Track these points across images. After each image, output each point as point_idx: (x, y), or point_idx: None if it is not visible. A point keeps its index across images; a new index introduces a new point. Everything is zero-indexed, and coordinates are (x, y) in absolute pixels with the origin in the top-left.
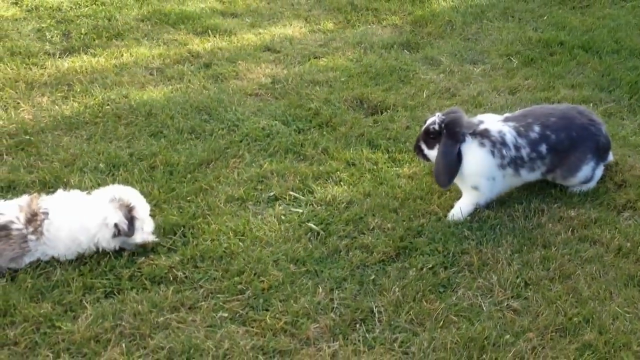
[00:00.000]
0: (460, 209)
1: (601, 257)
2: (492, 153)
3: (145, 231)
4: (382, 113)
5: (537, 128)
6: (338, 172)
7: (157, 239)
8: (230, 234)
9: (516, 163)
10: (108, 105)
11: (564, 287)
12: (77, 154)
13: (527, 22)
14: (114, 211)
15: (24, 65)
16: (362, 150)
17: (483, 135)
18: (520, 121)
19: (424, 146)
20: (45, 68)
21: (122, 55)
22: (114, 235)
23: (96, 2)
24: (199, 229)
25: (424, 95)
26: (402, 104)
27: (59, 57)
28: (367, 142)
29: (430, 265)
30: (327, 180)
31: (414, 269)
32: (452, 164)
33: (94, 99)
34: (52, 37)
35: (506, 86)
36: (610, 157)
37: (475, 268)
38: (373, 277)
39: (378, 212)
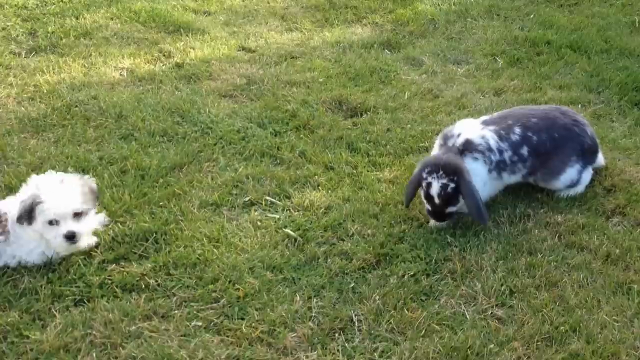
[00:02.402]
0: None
1: (589, 264)
2: (484, 162)
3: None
4: (361, 115)
5: (518, 130)
6: (316, 177)
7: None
8: (205, 240)
9: (499, 167)
10: (76, 106)
11: (550, 295)
12: (44, 157)
13: (513, 21)
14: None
15: None
16: (341, 154)
17: (469, 148)
18: (500, 124)
19: (452, 209)
20: (10, 68)
21: (90, 54)
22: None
23: (63, 0)
24: (172, 236)
25: (406, 97)
26: (383, 105)
27: (25, 57)
28: (346, 145)
29: (412, 273)
30: (304, 184)
31: (395, 276)
32: (479, 196)
33: (62, 101)
34: (17, 36)
35: (491, 87)
36: (601, 162)
37: (458, 275)
38: (352, 284)
39: (358, 217)
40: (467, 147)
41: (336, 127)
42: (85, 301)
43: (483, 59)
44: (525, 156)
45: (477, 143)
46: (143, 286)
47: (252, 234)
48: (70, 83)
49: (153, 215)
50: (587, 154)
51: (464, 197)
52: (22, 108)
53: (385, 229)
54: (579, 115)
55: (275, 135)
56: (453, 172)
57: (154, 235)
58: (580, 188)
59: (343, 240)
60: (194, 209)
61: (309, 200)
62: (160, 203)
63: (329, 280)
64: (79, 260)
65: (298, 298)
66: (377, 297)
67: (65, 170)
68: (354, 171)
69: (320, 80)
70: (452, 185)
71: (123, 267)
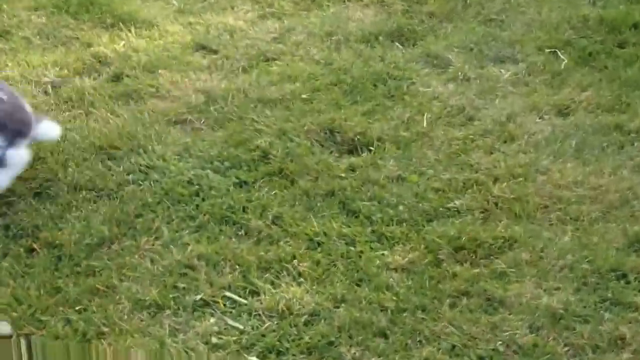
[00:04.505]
0: None
1: None
2: None
3: None
4: (361, 152)
5: None
6: (295, 260)
7: None
8: None
9: None
10: None
11: None
12: None
13: None
14: None
15: None
16: (332, 220)
17: None
18: None
19: None
20: None
21: (7, 65)
22: None
23: None
24: None
25: (425, 121)
26: (392, 136)
27: None
28: (339, 204)
29: None
30: (279, 272)
31: None
32: None
33: None
34: None
35: (552, 103)
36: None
37: None
38: None
39: (356, 333)
40: None
41: (326, 174)
42: None
43: (537, 54)
44: None
45: None
46: None
47: None
48: None
49: (68, 324)
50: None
51: None
52: None
53: (398, 355)
54: None
55: (241, 187)
56: None
57: None
58: (11, 171)
59: None
60: (124, 314)
61: (285, 301)
62: (78, 306)
63: None
64: None
65: None
66: None
67: None
68: (351, 249)
69: (304, 96)
70: None
71: None
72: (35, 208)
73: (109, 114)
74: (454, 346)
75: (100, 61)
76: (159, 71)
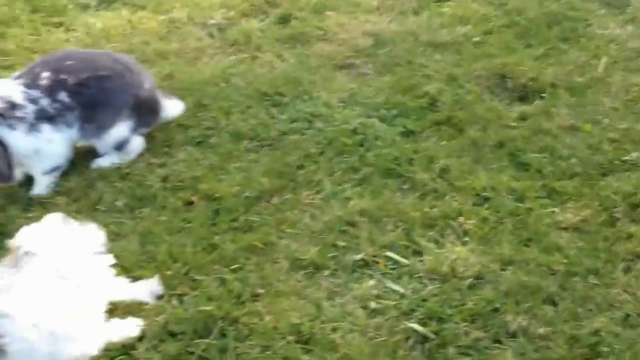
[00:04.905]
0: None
1: None
2: (10, 126)
3: None
4: (533, 99)
5: (46, 74)
6: (462, 217)
7: None
8: (290, 337)
9: (48, 118)
10: None
11: None
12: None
13: None
14: None
15: (46, 27)
16: (500, 173)
17: None
18: (28, 74)
19: None
20: (72, 30)
21: (173, 7)
22: None
23: None
24: (245, 326)
25: (602, 66)
26: (565, 82)
27: (96, 10)
28: (508, 155)
29: None
30: (444, 230)
31: None
32: None
33: None
34: None
35: None
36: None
37: None
38: None
39: (523, 299)
40: None
41: (495, 123)
42: None
43: None
44: (67, 102)
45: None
46: None
47: (362, 326)
48: (142, 53)
49: (223, 285)
50: (141, 112)
51: None
52: None
53: (567, 325)
54: (134, 63)
55: (407, 137)
56: None
57: (220, 324)
58: (131, 155)
59: (499, 343)
60: (281, 274)
61: (449, 262)
62: (234, 265)
63: None
64: None
65: None
66: None
67: (112, 205)
68: (520, 206)
69: (476, 39)
70: None
71: None
72: (195, 158)
73: (275, 58)
74: (627, 315)
75: (268, 2)
76: (327, 13)
